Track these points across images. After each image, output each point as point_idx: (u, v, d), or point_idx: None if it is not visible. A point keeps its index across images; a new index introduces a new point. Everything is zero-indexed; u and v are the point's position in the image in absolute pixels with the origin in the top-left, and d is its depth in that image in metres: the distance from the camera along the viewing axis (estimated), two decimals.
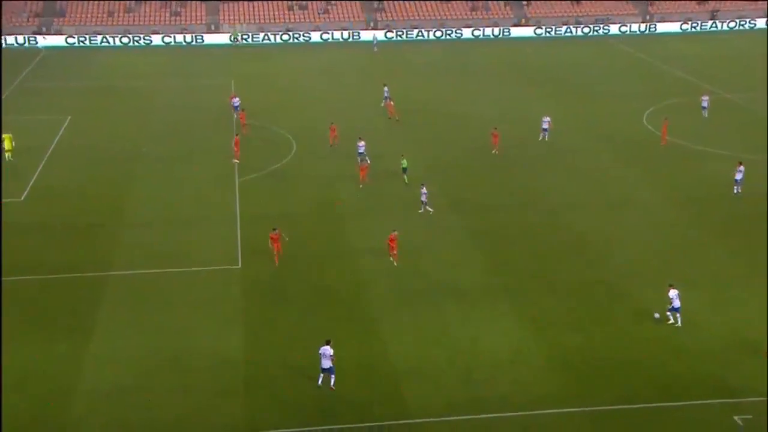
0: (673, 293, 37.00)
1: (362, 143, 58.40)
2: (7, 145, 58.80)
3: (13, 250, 45.33)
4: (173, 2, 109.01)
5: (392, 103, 71.19)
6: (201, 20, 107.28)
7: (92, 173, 57.01)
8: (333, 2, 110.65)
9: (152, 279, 42.15)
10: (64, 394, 32.77)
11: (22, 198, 52.81)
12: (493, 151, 59.97)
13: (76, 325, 37.63)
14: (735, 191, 52.44)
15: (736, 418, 31.26)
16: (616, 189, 54.36)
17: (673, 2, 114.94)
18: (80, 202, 52.22)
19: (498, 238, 47.00)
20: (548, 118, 63.56)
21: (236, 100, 70.06)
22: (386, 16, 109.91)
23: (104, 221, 49.19)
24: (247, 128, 64.95)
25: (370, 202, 51.75)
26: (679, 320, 37.11)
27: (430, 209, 49.68)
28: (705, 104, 67.94)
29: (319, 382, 32.62)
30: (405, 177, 54.88)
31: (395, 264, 42.66)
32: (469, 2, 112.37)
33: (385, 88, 73.11)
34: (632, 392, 32.89)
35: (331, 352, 32.39)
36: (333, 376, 32.56)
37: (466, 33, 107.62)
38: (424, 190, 49.75)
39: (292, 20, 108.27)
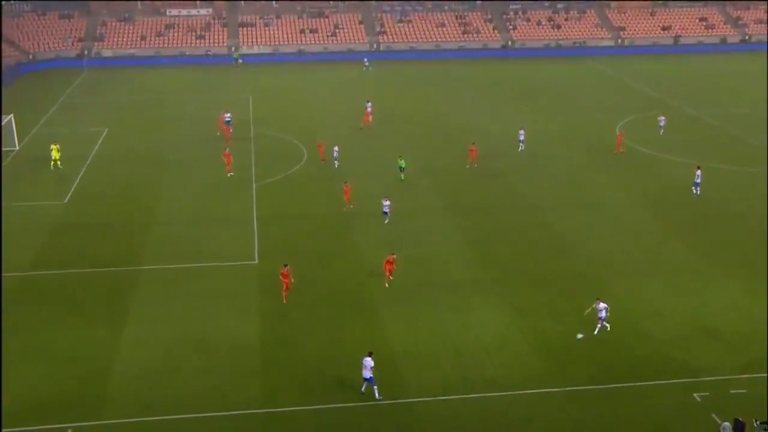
0: (602, 305, 35.52)
1: (336, 148, 59.20)
2: (54, 154, 58.85)
3: (58, 246, 45.47)
4: (198, 27, 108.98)
5: (369, 114, 70.96)
6: (223, 43, 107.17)
7: (126, 178, 56.93)
8: (340, 27, 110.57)
9: (178, 272, 42.12)
10: (103, 373, 32.86)
11: (66, 201, 52.79)
12: (467, 165, 58.37)
13: (113, 313, 37.68)
14: (695, 192, 52.62)
15: (695, 395, 31.26)
16: (590, 192, 54.31)
17: (642, 28, 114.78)
18: (116, 204, 52.17)
19: (486, 235, 46.95)
20: (523, 131, 63.11)
21: (228, 116, 68.77)
22: (387, 39, 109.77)
23: (137, 221, 49.16)
24: (231, 142, 63.83)
25: (373, 203, 51.63)
26: (597, 329, 35.50)
27: (387, 218, 48.16)
28: (662, 124, 67.29)
29: (363, 389, 31.33)
30: (402, 175, 55.43)
31: (386, 285, 40.01)
32: (461, 27, 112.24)
33: (368, 104, 72.45)
34: (604, 373, 32.88)
35: (372, 363, 31.12)
36: (375, 386, 31.17)
37: (459, 54, 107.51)
38: (386, 202, 48.40)
39: (304, 42, 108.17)
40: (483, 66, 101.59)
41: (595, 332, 35.60)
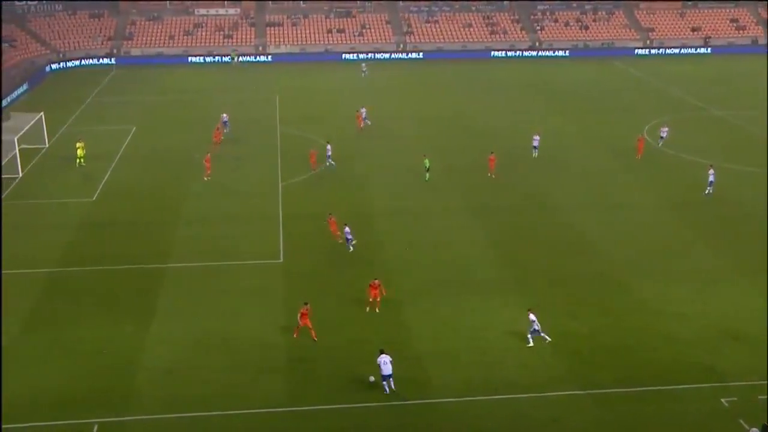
0: (532, 317, 34.73)
1: (329, 146, 59.26)
2: (79, 152, 59.55)
3: (86, 243, 45.99)
4: (226, 26, 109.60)
5: (361, 117, 69.55)
6: (250, 42, 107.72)
7: (153, 176, 57.36)
8: (367, 26, 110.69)
9: (204, 270, 42.42)
10: (129, 367, 33.24)
11: (94, 198, 53.32)
12: (489, 174, 56.67)
13: (140, 310, 38.08)
14: (707, 192, 52.77)
15: (723, 400, 30.99)
16: (614, 193, 53.98)
17: (671, 29, 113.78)
18: (143, 201, 52.66)
19: (508, 236, 46.84)
20: (537, 137, 61.87)
21: (225, 117, 68.76)
22: (414, 39, 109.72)
23: (163, 219, 49.58)
24: (218, 147, 63.15)
25: (395, 203, 51.75)
26: (531, 341, 34.78)
27: (351, 247, 44.67)
28: (663, 135, 64.53)
29: (386, 389, 31.35)
30: (427, 175, 55.64)
31: (367, 310, 37.83)
32: (488, 27, 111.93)
33: (363, 109, 70.64)
34: (629, 376, 32.69)
35: (390, 358, 31.29)
36: (392, 379, 31.36)
37: (486, 55, 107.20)
38: (347, 229, 44.68)
39: (331, 42, 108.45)
40: (509, 67, 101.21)
41: (531, 343, 34.78)
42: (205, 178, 56.20)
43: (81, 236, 47.01)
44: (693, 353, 34.24)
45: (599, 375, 32.81)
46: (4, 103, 77.72)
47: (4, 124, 62.40)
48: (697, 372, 32.88)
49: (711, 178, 52.84)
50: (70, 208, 51.43)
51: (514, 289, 40.13)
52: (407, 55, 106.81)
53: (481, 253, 44.54)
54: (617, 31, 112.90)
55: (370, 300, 37.90)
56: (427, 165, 56.08)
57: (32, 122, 62.90)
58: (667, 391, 31.72)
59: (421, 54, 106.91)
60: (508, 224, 48.62)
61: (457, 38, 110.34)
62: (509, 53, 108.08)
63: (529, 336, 34.92)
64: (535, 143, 61.84)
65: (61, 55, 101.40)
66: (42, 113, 65.49)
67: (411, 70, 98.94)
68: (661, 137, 64.64)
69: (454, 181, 56.09)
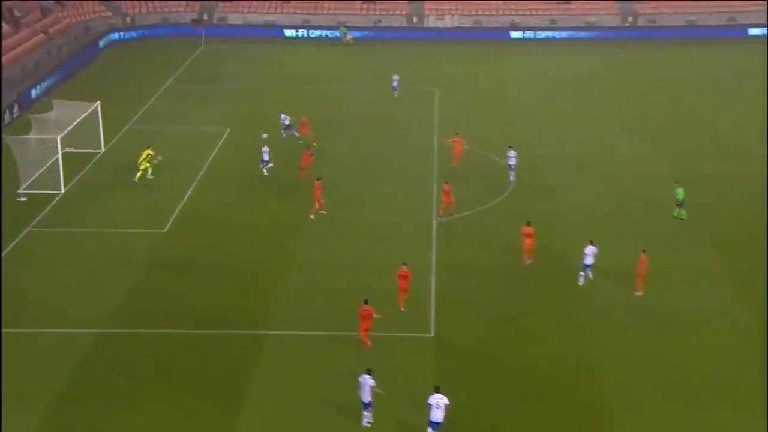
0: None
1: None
2: (144, 163, 61.23)
3: (150, 295, 47.56)
4: None
5: (461, 146, 65.66)
6: (401, 11, 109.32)
7: (251, 199, 59.14)
8: None
9: (319, 342, 43.08)
10: None
11: (166, 229, 55.28)
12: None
13: (222, 393, 38.94)
14: None
15: None
16: None
17: None
18: (234, 235, 54.24)
19: None
20: None
21: (286, 119, 70.67)
22: (648, 9, 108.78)
23: (262, 262, 50.94)
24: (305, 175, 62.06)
25: (613, 254, 51.14)
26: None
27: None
28: None
29: (364, 421, 35.23)
30: (682, 211, 55.90)
31: (402, 309, 45.54)
32: None
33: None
34: None
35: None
36: (371, 412, 35.64)
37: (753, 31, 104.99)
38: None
39: (520, 12, 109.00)
40: None
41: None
42: (312, 216, 56.60)
43: (144, 284, 48.77)
44: None
45: None
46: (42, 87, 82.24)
47: (43, 116, 65.14)
48: None
49: None
50: (132, 242, 53.50)
51: None
52: (638, 33, 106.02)
53: (744, 345, 43.34)
54: None
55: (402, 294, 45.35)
56: (681, 197, 55.64)
57: (83, 116, 65.21)
58: None
59: (659, 32, 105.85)
60: None
61: (721, 7, 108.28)
62: None
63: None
64: None
65: (128, 20, 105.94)
66: (98, 103, 68.44)
67: (642, 55, 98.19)
68: None
69: (703, 226, 55.14)
